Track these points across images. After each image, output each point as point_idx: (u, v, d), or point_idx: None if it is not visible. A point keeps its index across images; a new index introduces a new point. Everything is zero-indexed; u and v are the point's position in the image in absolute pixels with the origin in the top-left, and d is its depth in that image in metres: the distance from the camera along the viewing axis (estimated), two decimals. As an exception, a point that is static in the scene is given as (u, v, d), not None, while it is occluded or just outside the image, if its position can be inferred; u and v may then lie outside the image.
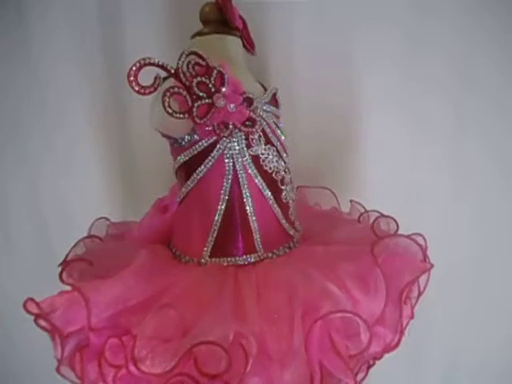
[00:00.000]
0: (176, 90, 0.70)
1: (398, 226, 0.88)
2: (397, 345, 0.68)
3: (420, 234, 0.81)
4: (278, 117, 0.89)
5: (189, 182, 0.82)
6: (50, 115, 1.12)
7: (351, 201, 1.07)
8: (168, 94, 0.70)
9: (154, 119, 0.82)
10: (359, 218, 1.01)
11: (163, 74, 0.83)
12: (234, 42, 0.87)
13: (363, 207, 1.04)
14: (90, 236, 0.94)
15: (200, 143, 0.79)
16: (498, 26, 1.00)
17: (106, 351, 0.64)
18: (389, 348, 0.68)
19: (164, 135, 0.83)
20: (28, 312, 0.66)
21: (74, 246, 0.90)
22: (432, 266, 0.74)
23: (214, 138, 0.78)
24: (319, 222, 1.01)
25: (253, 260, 0.82)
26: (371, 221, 0.98)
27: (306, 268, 0.74)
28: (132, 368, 0.61)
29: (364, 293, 0.69)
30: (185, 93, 0.71)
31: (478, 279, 1.16)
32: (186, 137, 0.78)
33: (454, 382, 1.28)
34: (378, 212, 0.99)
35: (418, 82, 1.03)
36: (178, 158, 0.82)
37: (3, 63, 1.08)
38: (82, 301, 0.65)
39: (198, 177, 0.80)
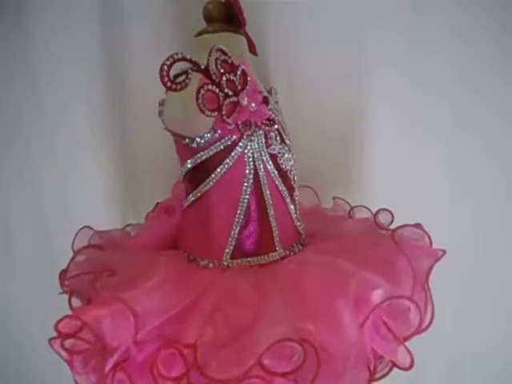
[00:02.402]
0: (210, 87, 0.68)
1: (393, 217, 0.94)
2: (428, 326, 0.73)
3: (419, 224, 0.88)
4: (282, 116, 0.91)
5: (205, 183, 0.79)
6: (49, 116, 1.10)
7: (334, 198, 1.12)
8: (202, 91, 0.67)
9: (170, 118, 0.79)
10: (349, 213, 1.06)
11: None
12: (241, 41, 0.87)
13: (348, 204, 1.09)
14: (90, 245, 0.87)
15: (219, 142, 0.77)
16: (499, 27, 1.01)
17: (158, 364, 0.59)
18: (420, 329, 0.72)
19: (177, 135, 0.79)
20: (59, 332, 0.59)
21: (75, 255, 0.83)
22: (445, 252, 0.81)
23: (234, 136, 0.77)
24: (312, 219, 1.03)
25: (274, 258, 0.82)
26: (364, 215, 1.05)
27: (333, 261, 0.76)
28: (194, 378, 0.58)
29: (393, 278, 0.73)
30: (217, 90, 0.69)
31: (477, 279, 1.18)
32: (206, 135, 0.76)
33: (455, 382, 1.30)
34: (366, 208, 1.05)
35: (418, 83, 1.05)
36: (193, 158, 0.79)
37: (3, 64, 1.07)
38: (128, 313, 0.60)
39: (217, 177, 0.78)
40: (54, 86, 1.08)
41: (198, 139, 0.76)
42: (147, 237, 0.87)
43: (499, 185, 1.12)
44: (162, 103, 0.83)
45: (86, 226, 0.98)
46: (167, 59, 0.65)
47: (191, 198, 0.82)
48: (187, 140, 0.77)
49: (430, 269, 0.77)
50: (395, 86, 1.04)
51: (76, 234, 0.95)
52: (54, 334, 0.83)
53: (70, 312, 0.78)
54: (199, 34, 0.87)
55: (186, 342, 0.61)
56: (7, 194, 1.18)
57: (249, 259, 0.81)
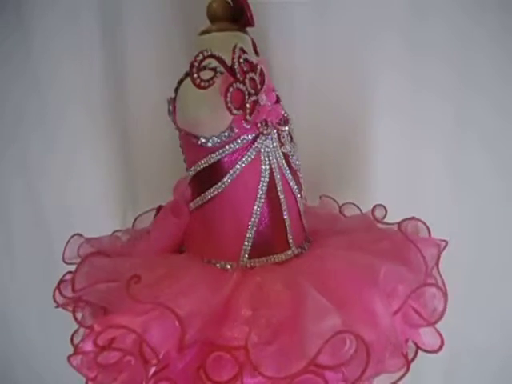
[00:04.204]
0: (238, 85, 0.68)
1: (386, 212, 0.98)
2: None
3: (415, 217, 0.93)
4: None
5: (220, 184, 0.78)
6: (50, 117, 1.10)
7: (321, 196, 1.14)
8: (231, 89, 0.67)
9: (185, 117, 0.76)
10: (340, 210, 1.09)
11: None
12: (247, 40, 0.86)
13: (336, 201, 1.13)
14: (97, 252, 0.81)
15: (235, 142, 0.76)
16: (498, 27, 1.02)
17: (207, 368, 0.58)
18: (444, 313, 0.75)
19: (190, 134, 0.77)
20: (97, 346, 0.56)
21: (82, 263, 0.78)
22: (447, 242, 0.85)
23: (250, 136, 0.76)
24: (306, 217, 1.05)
25: (289, 256, 0.83)
26: (353, 211, 1.09)
27: (352, 255, 0.78)
28: (250, 379, 0.57)
29: (409, 268, 0.76)
30: (244, 88, 0.69)
31: (477, 279, 1.18)
32: (224, 134, 0.74)
33: (455, 378, 1.31)
34: (354, 204, 1.10)
35: (418, 85, 1.06)
36: (206, 158, 0.77)
37: (3, 65, 1.07)
38: (173, 318, 0.58)
39: (232, 177, 0.77)
40: (55, 87, 1.08)
41: (216, 138, 0.75)
42: (158, 240, 0.83)
43: (498, 185, 1.14)
44: (170, 101, 0.80)
45: (76, 234, 0.93)
46: (197, 55, 0.64)
47: (202, 199, 0.80)
48: (203, 140, 0.76)
49: (438, 257, 0.81)
50: (396, 86, 1.06)
51: (67, 243, 0.91)
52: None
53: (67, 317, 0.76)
54: (204, 32, 0.85)
55: (235, 344, 0.60)
56: (8, 195, 1.17)
57: (266, 258, 0.81)
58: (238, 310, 0.65)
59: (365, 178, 1.13)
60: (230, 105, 0.67)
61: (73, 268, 0.91)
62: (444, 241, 0.85)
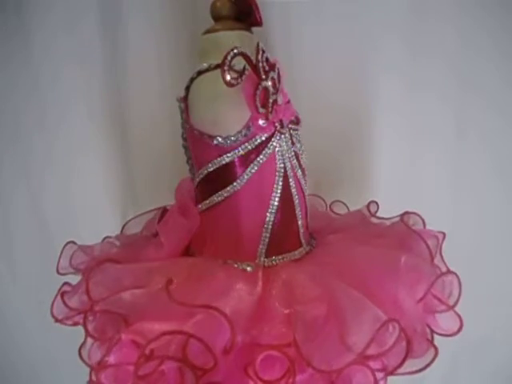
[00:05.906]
0: (266, 84, 0.68)
1: (378, 207, 1.03)
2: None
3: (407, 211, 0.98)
4: None
5: (235, 184, 0.77)
6: (50, 118, 1.10)
7: (308, 195, 1.17)
8: (260, 87, 0.67)
9: (201, 117, 0.75)
10: (331, 208, 1.12)
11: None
12: (253, 40, 0.86)
13: (323, 200, 1.16)
14: (108, 259, 0.77)
15: (251, 141, 0.75)
16: (499, 30, 1.02)
17: (257, 369, 0.57)
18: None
19: (205, 134, 0.75)
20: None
21: (91, 270, 0.74)
22: (445, 234, 0.89)
23: (266, 134, 0.76)
24: None
25: (302, 254, 0.84)
26: (342, 209, 1.12)
27: (366, 249, 0.81)
28: (298, 376, 0.57)
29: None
30: (269, 87, 0.69)
31: (476, 279, 1.10)
32: (241, 133, 0.74)
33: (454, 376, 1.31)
34: (342, 202, 1.13)
35: (418, 87, 1.06)
36: (221, 157, 0.76)
37: (4, 67, 1.07)
38: (222, 318, 0.56)
39: (248, 176, 0.77)
40: (55, 89, 1.08)
41: (232, 138, 0.74)
42: (169, 243, 0.80)
43: (498, 186, 1.16)
44: (181, 100, 0.78)
45: (70, 242, 0.90)
46: (228, 53, 0.64)
47: (214, 200, 0.79)
48: (219, 139, 0.74)
49: (440, 246, 0.86)
50: (396, 87, 1.06)
51: (62, 251, 0.88)
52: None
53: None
54: (209, 31, 0.84)
55: (283, 342, 0.59)
56: (9, 196, 1.18)
57: (282, 256, 0.81)
58: (274, 309, 0.65)
59: (366, 179, 1.15)
60: (257, 103, 0.67)
61: (68, 278, 0.87)
62: (442, 233, 0.90)
